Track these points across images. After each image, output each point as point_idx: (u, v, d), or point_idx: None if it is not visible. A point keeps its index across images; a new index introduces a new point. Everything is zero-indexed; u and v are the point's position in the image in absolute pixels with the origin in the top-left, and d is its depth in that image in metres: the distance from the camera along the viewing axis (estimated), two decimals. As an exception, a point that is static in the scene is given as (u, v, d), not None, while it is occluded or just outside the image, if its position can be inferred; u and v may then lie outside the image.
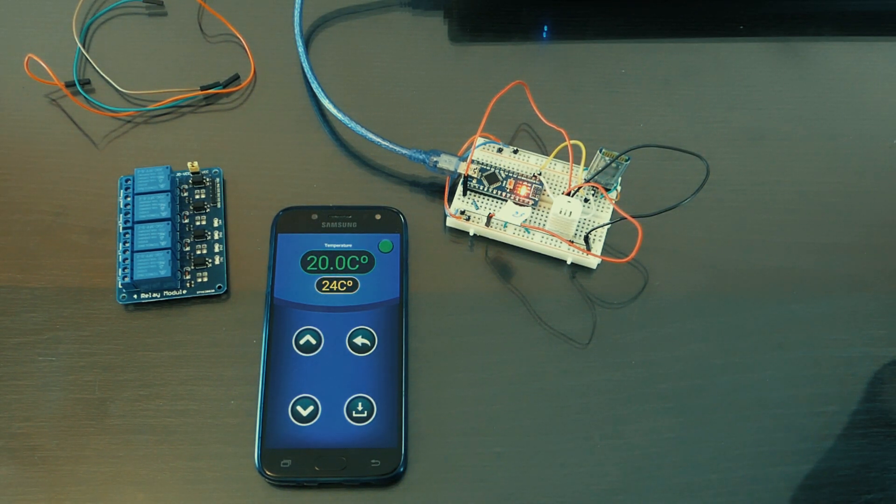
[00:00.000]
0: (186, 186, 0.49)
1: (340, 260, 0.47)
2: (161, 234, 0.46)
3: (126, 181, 0.48)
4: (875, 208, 0.50)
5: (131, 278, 0.45)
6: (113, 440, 0.44)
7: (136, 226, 0.46)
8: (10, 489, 0.43)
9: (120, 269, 0.46)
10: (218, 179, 0.49)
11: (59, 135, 0.51)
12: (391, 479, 0.43)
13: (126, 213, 0.47)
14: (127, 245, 0.46)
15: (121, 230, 0.47)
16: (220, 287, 0.47)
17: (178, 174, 0.49)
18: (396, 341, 0.45)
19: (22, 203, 0.49)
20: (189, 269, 0.47)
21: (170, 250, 0.46)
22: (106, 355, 0.45)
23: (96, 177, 0.50)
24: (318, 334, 0.45)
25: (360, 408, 0.44)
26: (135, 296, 0.46)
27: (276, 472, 0.42)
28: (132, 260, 0.45)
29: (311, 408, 0.43)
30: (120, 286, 0.46)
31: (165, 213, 0.47)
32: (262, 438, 0.43)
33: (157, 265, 0.45)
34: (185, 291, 0.46)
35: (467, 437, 0.44)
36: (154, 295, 0.46)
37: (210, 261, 0.47)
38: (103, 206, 0.49)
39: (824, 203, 0.50)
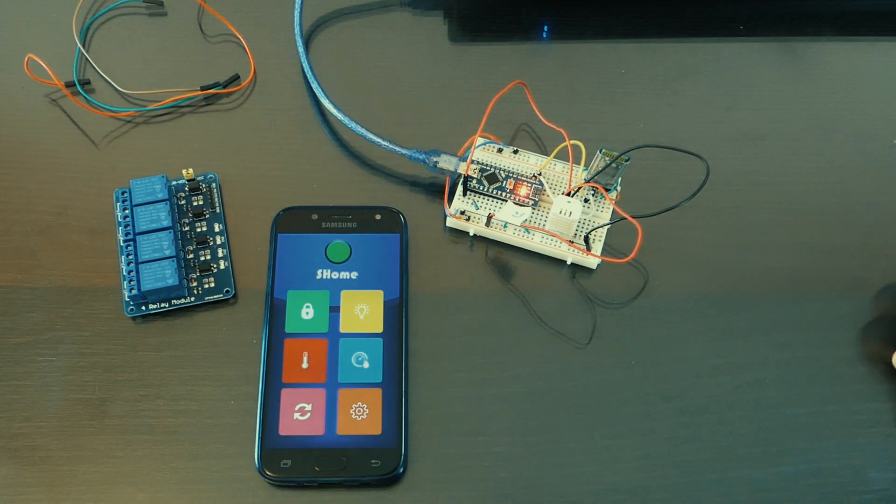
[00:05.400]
0: (183, 194, 0.49)
1: (340, 260, 0.47)
2: (164, 244, 0.46)
3: (122, 193, 0.48)
4: (875, 208, 0.50)
5: (139, 290, 0.45)
6: (113, 440, 0.44)
7: (137, 237, 0.46)
8: (10, 489, 0.43)
9: (125, 282, 0.46)
10: (214, 185, 0.49)
11: (59, 135, 0.51)
12: (391, 479, 0.43)
13: (126, 226, 0.47)
14: (130, 258, 0.46)
15: (122, 243, 0.47)
16: (227, 291, 0.47)
17: (174, 182, 0.49)
18: (396, 341, 0.45)
19: (22, 203, 0.49)
20: (195, 276, 0.47)
21: (175, 258, 0.46)
22: (106, 355, 0.45)
23: (96, 177, 0.50)
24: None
25: (360, 407, 0.44)
26: (143, 307, 0.46)
27: (276, 473, 0.42)
28: (137, 271, 0.45)
29: (311, 407, 0.43)
30: (127, 299, 0.46)
31: (166, 222, 0.46)
32: (262, 438, 0.43)
33: (163, 274, 0.45)
34: (193, 299, 0.46)
35: (467, 436, 0.44)
36: (162, 305, 0.46)
37: (215, 266, 0.47)
38: (103, 206, 0.49)
39: (824, 203, 0.50)
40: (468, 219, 0.48)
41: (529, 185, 0.48)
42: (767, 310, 0.47)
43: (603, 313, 0.47)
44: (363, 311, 0.46)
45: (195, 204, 0.49)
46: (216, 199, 0.49)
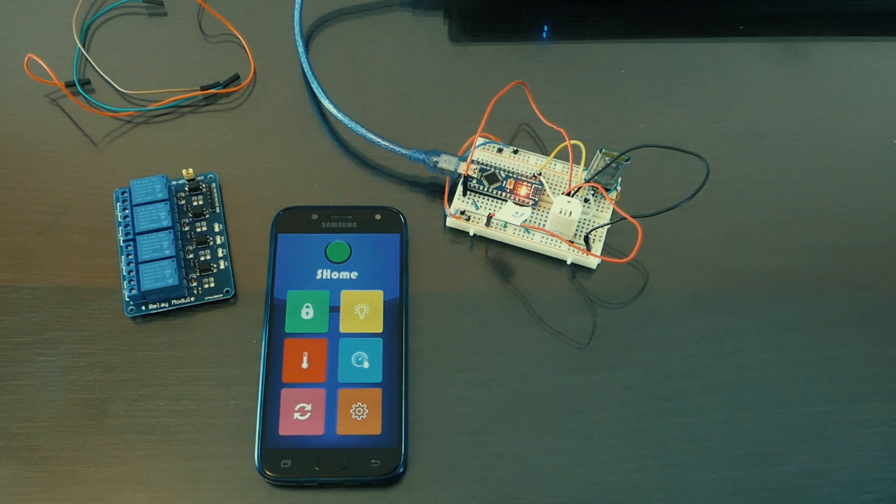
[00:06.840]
0: (183, 194, 0.49)
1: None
2: (164, 244, 0.46)
3: (122, 193, 0.48)
4: (875, 208, 0.50)
5: (139, 290, 0.45)
6: (113, 440, 0.44)
7: (137, 237, 0.46)
8: (10, 489, 0.43)
9: (125, 282, 0.46)
10: (214, 185, 0.49)
11: (59, 135, 0.51)
12: (391, 479, 0.43)
13: (126, 226, 0.47)
14: (130, 258, 0.46)
15: (122, 243, 0.47)
16: (227, 291, 0.47)
17: (174, 182, 0.49)
18: (396, 341, 0.45)
19: (22, 203, 0.49)
20: (195, 275, 0.47)
21: (175, 258, 0.46)
22: (106, 355, 0.45)
23: (96, 177, 0.50)
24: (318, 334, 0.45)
25: (360, 407, 0.44)
26: (143, 307, 0.46)
27: (276, 472, 0.42)
28: (137, 271, 0.45)
29: (310, 407, 0.43)
30: (127, 299, 0.46)
31: (166, 222, 0.46)
32: (262, 438, 0.43)
33: (163, 274, 0.45)
34: (192, 299, 0.46)
35: (467, 436, 0.44)
36: (162, 305, 0.46)
37: (215, 266, 0.47)
38: (103, 206, 0.49)
39: (824, 203, 0.50)
40: (468, 219, 0.48)
41: (529, 184, 0.48)
42: (767, 310, 0.47)
43: (603, 313, 0.47)
44: (363, 311, 0.46)
45: (195, 204, 0.49)
46: (216, 199, 0.49)
